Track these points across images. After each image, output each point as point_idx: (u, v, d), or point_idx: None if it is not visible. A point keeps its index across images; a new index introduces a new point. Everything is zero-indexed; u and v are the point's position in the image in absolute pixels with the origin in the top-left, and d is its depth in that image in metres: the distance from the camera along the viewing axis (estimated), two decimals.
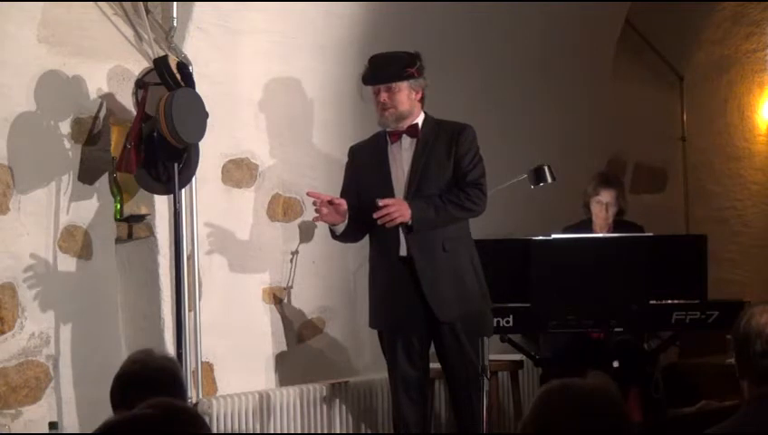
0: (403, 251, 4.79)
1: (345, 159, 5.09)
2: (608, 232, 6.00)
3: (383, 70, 4.83)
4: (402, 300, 4.79)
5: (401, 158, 4.86)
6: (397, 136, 4.87)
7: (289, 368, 5.66)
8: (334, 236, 4.93)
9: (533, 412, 2.08)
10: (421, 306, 4.78)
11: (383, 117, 4.85)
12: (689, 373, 6.75)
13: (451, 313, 4.78)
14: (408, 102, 4.84)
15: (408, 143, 4.88)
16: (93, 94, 4.97)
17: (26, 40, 4.77)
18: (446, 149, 4.83)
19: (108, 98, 5.01)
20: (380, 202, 4.69)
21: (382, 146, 4.91)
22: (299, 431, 5.42)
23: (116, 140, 5.04)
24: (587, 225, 6.07)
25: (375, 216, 4.67)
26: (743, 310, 2.88)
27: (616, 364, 5.41)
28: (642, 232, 6.00)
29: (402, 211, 4.68)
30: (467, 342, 4.73)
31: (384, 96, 4.81)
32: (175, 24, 5.15)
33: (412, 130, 4.87)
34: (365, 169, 4.95)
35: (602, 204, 6.01)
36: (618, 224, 6.06)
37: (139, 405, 2.02)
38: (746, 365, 2.79)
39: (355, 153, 5.04)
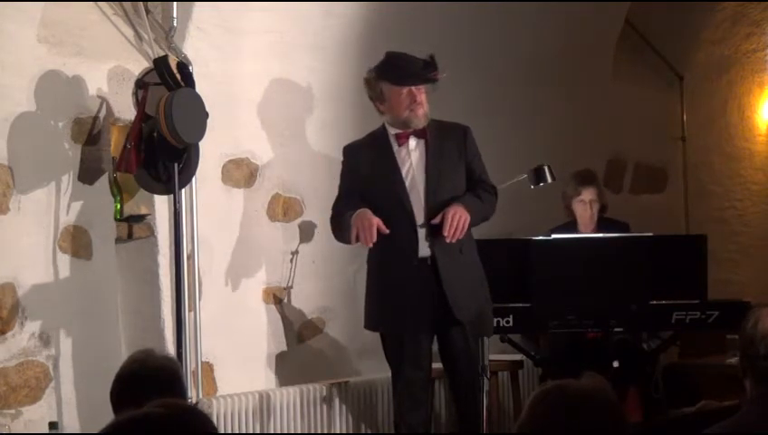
0: (422, 252, 4.78)
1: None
2: (593, 231, 6.01)
3: (428, 70, 4.84)
4: (415, 301, 4.78)
5: (410, 159, 4.86)
6: (405, 138, 4.87)
7: (289, 368, 5.66)
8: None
9: (529, 414, 2.08)
10: (432, 307, 4.77)
11: (416, 116, 4.83)
12: (689, 373, 6.74)
13: (468, 313, 4.78)
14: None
15: (413, 144, 4.88)
16: (93, 94, 4.97)
17: (26, 40, 4.77)
18: (456, 149, 4.85)
19: (108, 98, 5.01)
20: (438, 219, 4.67)
21: (386, 146, 4.89)
22: (299, 431, 5.41)
23: (116, 140, 5.04)
24: (572, 226, 6.07)
25: (446, 233, 4.65)
26: (749, 312, 2.89)
27: (616, 364, 5.41)
28: (628, 230, 6.04)
29: (463, 215, 4.69)
30: (473, 342, 4.73)
31: (421, 96, 4.83)
32: (175, 24, 5.15)
33: (419, 131, 4.87)
34: (370, 168, 4.89)
35: (585, 202, 6.02)
36: (602, 222, 6.06)
37: (139, 405, 2.01)
38: (749, 366, 2.81)
39: (353, 153, 4.99)
